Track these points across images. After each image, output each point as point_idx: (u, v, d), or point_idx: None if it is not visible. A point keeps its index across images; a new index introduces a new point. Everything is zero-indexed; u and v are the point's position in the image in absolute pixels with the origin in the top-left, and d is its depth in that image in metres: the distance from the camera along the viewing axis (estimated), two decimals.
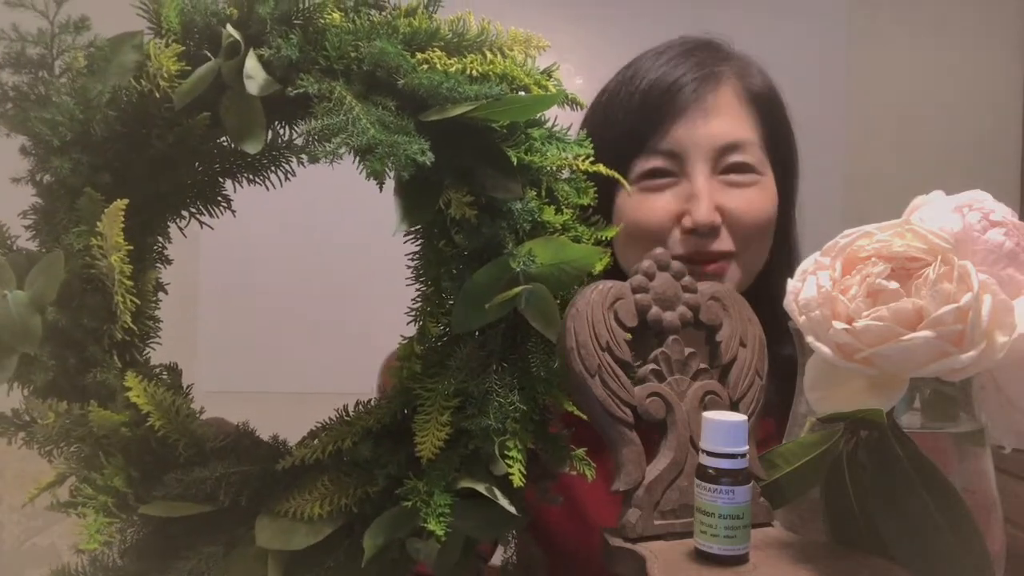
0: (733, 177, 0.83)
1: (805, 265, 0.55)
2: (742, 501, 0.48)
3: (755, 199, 0.83)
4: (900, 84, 2.37)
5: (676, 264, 0.58)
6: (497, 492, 0.53)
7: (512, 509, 0.52)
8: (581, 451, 0.58)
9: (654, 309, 0.55)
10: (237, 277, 2.16)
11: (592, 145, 0.92)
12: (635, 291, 0.55)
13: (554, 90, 0.56)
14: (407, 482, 0.53)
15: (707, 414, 0.50)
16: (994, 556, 0.53)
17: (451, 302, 0.56)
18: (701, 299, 0.57)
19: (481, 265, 0.54)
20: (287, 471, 0.55)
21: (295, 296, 2.18)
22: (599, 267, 0.57)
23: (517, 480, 0.51)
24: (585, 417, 0.57)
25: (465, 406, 0.54)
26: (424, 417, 0.54)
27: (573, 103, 0.59)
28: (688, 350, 0.56)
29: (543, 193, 0.56)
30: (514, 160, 0.54)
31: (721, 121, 0.83)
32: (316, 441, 0.56)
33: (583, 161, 0.58)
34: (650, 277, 0.56)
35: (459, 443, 0.54)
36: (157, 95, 0.53)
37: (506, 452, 0.52)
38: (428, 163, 0.48)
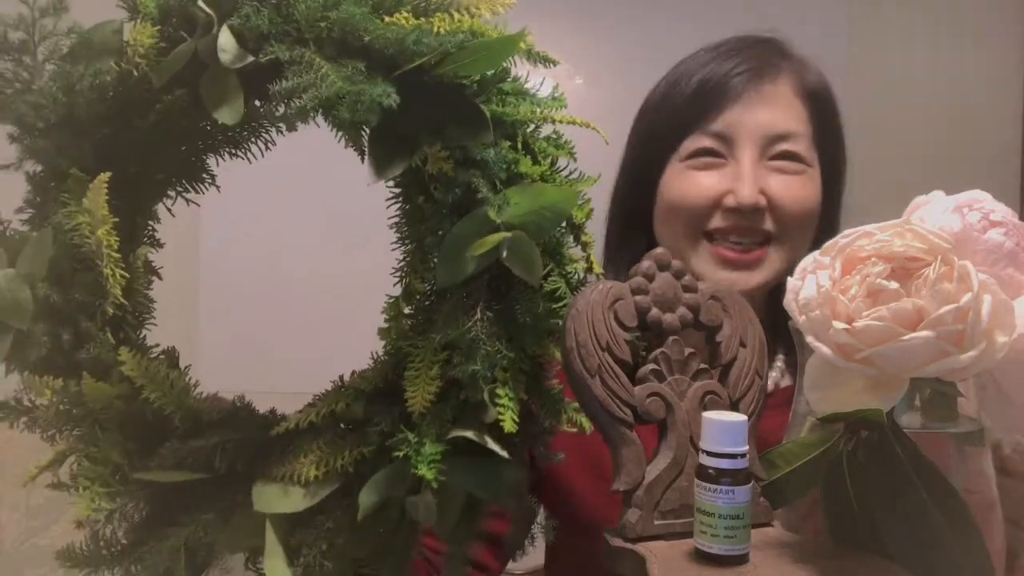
0: (780, 163, 0.84)
1: (804, 264, 0.55)
2: (742, 501, 0.48)
3: (800, 187, 0.84)
4: (900, 84, 2.36)
5: (676, 264, 0.58)
6: (488, 438, 0.53)
7: (504, 453, 0.53)
8: (576, 403, 0.57)
9: (654, 311, 0.55)
10: (238, 277, 2.17)
11: (643, 130, 0.92)
12: (635, 292, 0.55)
13: (524, 47, 0.57)
14: (399, 434, 0.53)
15: (707, 414, 0.50)
16: (994, 556, 0.53)
17: (434, 258, 0.56)
18: (701, 299, 0.57)
19: (461, 219, 0.54)
20: (282, 437, 0.56)
21: (295, 296, 2.19)
22: (580, 215, 0.58)
23: (509, 425, 0.51)
24: None
25: (453, 358, 0.54)
26: (414, 372, 0.54)
27: (546, 60, 0.58)
28: (688, 350, 0.56)
29: (519, 146, 0.57)
30: (487, 113, 0.54)
31: (775, 110, 0.85)
32: (312, 408, 0.56)
33: (559, 113, 0.58)
34: (650, 278, 0.56)
35: (450, 395, 0.54)
36: (136, 74, 0.54)
37: (496, 400, 0.52)
38: (393, 105, 0.49)
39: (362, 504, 0.52)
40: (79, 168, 0.55)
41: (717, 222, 0.84)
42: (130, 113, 0.56)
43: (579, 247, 0.59)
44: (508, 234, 0.53)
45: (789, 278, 0.56)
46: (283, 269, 2.20)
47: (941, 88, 2.40)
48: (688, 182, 0.85)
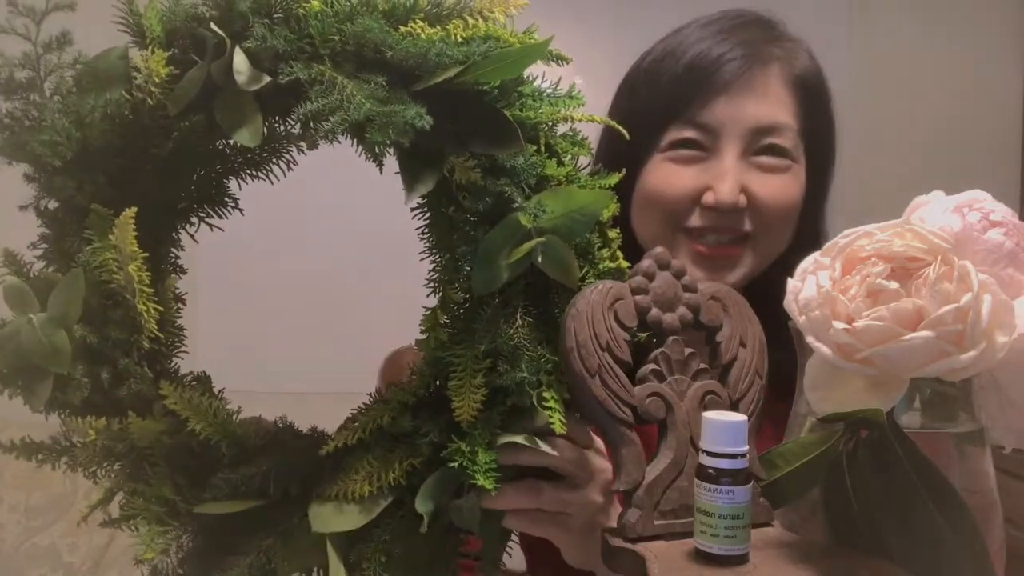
0: (764, 160, 0.81)
1: (805, 265, 0.55)
2: (742, 501, 0.48)
3: (783, 185, 0.82)
4: (900, 84, 2.36)
5: (676, 263, 0.58)
6: (538, 441, 0.54)
7: (555, 454, 0.54)
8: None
9: (654, 311, 0.55)
10: (236, 277, 2.16)
11: (625, 108, 0.88)
12: (635, 292, 0.55)
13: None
14: (451, 445, 0.54)
15: (707, 414, 0.50)
16: (994, 556, 0.53)
17: (467, 267, 0.57)
18: (701, 299, 0.57)
19: (492, 226, 0.55)
20: (332, 456, 0.56)
21: (295, 296, 2.18)
22: (607, 213, 0.58)
23: (559, 427, 0.52)
24: None
25: (497, 365, 0.55)
26: (458, 382, 0.55)
27: (559, 59, 0.58)
28: (688, 350, 0.56)
29: (542, 148, 0.57)
30: (511, 119, 0.54)
31: (763, 102, 0.82)
32: (355, 423, 0.57)
33: (577, 112, 0.59)
34: (650, 277, 0.56)
35: (496, 402, 0.55)
36: (151, 102, 0.53)
37: (543, 403, 0.54)
38: (427, 126, 0.49)
39: (423, 512, 0.54)
40: (98, 202, 0.55)
41: (695, 220, 0.81)
42: (146, 142, 0.56)
43: (603, 243, 0.60)
44: (542, 239, 0.53)
45: (789, 279, 0.56)
46: (282, 269, 2.20)
47: (941, 87, 2.40)
48: (668, 175, 0.82)
